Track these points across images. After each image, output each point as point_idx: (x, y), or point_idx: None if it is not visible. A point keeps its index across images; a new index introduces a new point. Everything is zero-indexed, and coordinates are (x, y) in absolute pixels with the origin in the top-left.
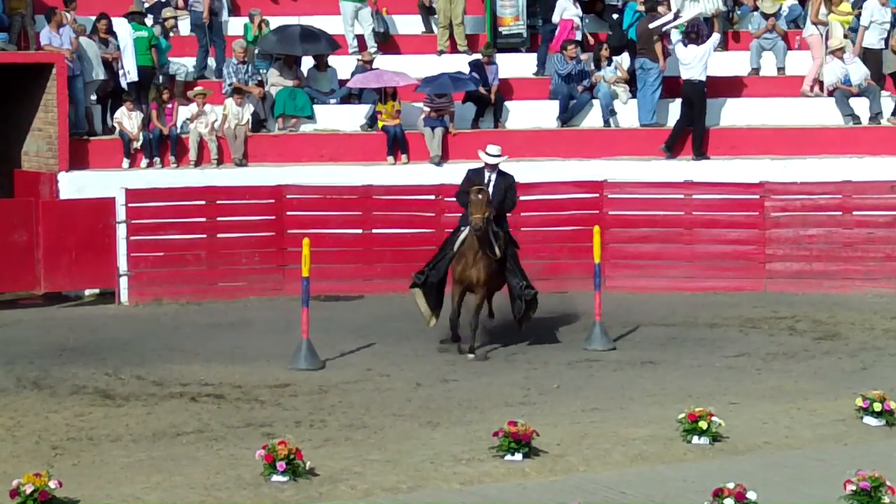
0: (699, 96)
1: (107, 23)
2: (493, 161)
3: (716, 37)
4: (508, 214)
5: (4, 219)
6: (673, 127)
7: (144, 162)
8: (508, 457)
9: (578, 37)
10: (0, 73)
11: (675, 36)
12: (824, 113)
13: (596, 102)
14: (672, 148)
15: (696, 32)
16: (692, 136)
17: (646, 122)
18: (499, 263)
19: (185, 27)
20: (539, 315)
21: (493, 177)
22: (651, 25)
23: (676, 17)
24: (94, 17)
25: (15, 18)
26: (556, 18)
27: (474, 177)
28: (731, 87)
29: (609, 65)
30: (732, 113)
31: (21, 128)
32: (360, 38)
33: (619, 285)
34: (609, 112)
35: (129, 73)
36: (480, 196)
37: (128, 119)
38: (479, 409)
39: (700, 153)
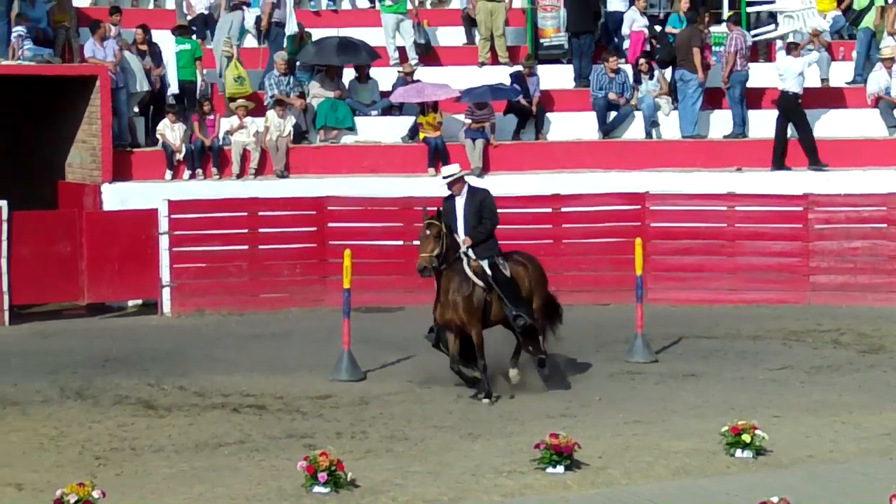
0: (791, 107)
1: (143, 33)
2: (445, 181)
3: (815, 54)
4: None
5: (49, 230)
6: (775, 140)
7: (187, 173)
8: (550, 469)
9: (648, 47)
10: (45, 86)
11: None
12: (868, 124)
13: (638, 114)
14: (781, 162)
15: (795, 45)
16: (803, 147)
17: (687, 134)
18: (491, 294)
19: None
20: (580, 327)
21: (463, 198)
22: (752, 33)
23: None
24: (135, 31)
25: (59, 31)
26: (625, 31)
27: (445, 205)
28: (773, 98)
29: (651, 78)
30: (773, 124)
31: (65, 139)
32: (402, 50)
33: (661, 297)
34: (651, 123)
35: (170, 85)
36: (428, 232)
37: (170, 131)
38: (520, 421)
39: (816, 162)
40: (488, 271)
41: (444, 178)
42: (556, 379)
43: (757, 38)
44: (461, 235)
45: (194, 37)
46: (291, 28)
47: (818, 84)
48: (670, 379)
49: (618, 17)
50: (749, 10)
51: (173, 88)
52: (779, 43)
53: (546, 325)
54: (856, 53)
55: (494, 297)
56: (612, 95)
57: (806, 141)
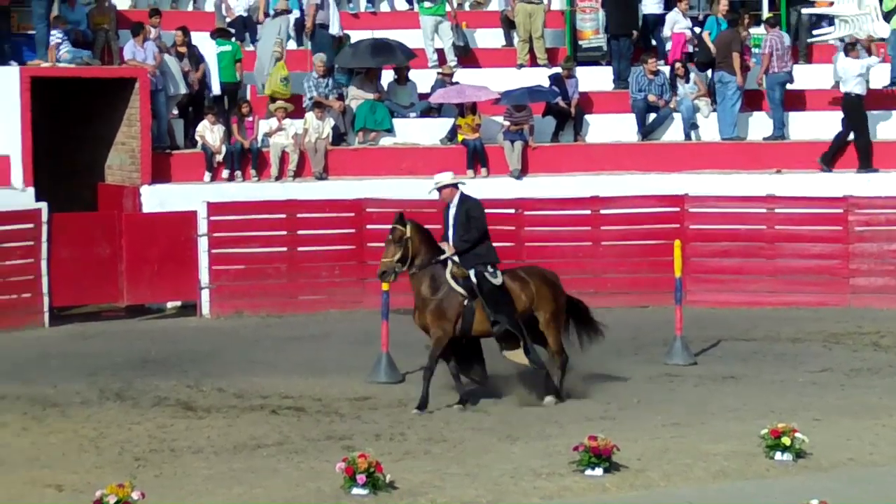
0: (853, 109)
1: (183, 35)
2: (435, 188)
3: (874, 59)
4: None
5: (88, 232)
6: (833, 140)
7: (226, 175)
8: (588, 471)
9: (690, 49)
10: (85, 88)
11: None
12: None
13: (677, 116)
14: (830, 161)
15: (852, 45)
16: (856, 148)
17: (727, 136)
18: (475, 303)
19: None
20: (619, 330)
21: (454, 206)
22: (815, 34)
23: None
24: (174, 33)
25: (99, 34)
26: (666, 32)
27: (444, 212)
28: (814, 100)
29: (687, 82)
30: (814, 126)
31: (105, 142)
32: (440, 52)
33: (700, 300)
34: (690, 126)
35: (212, 88)
36: (390, 236)
37: (210, 132)
38: (559, 424)
39: (866, 165)
40: (473, 279)
41: (436, 183)
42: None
43: (814, 41)
44: (449, 242)
45: (233, 39)
46: (335, 29)
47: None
48: (709, 381)
49: (653, 19)
50: (804, 11)
51: (215, 90)
52: (837, 45)
53: (560, 348)
54: (893, 54)
55: (479, 305)
56: (651, 97)
57: (861, 144)
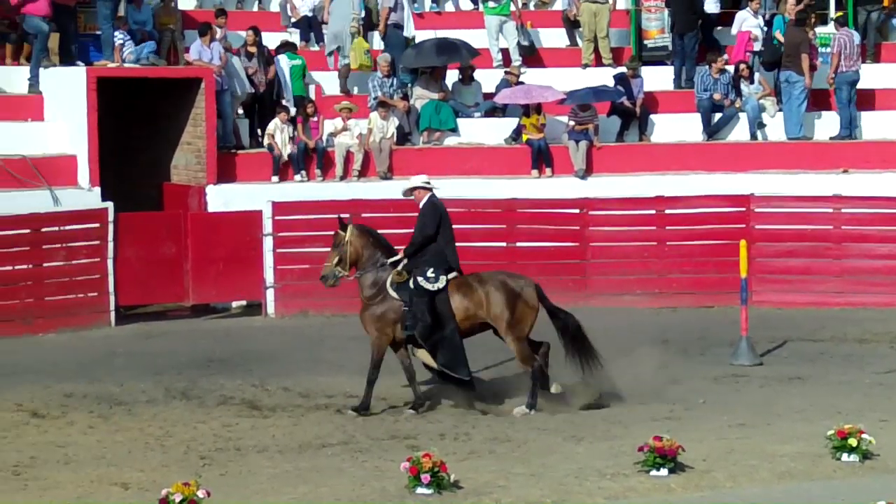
0: None
1: (254, 35)
2: (404, 190)
3: None
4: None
5: (154, 231)
6: None
7: (296, 176)
8: (654, 472)
9: (756, 48)
10: (151, 88)
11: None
12: None
13: (743, 115)
14: None
15: None
16: None
17: (793, 136)
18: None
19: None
20: (684, 330)
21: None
22: None
23: None
24: (241, 32)
25: (165, 34)
26: (734, 30)
27: None
28: (883, 99)
29: (751, 83)
30: (883, 126)
31: (171, 141)
32: (505, 52)
33: (765, 300)
34: (757, 125)
35: (288, 101)
36: (333, 241)
37: (279, 133)
38: (624, 424)
39: None
40: (411, 285)
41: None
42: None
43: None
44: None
45: (299, 40)
46: (409, 30)
47: None
48: (775, 382)
49: (712, 19)
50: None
51: (290, 104)
52: None
53: (522, 358)
54: None
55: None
56: (716, 96)
57: None
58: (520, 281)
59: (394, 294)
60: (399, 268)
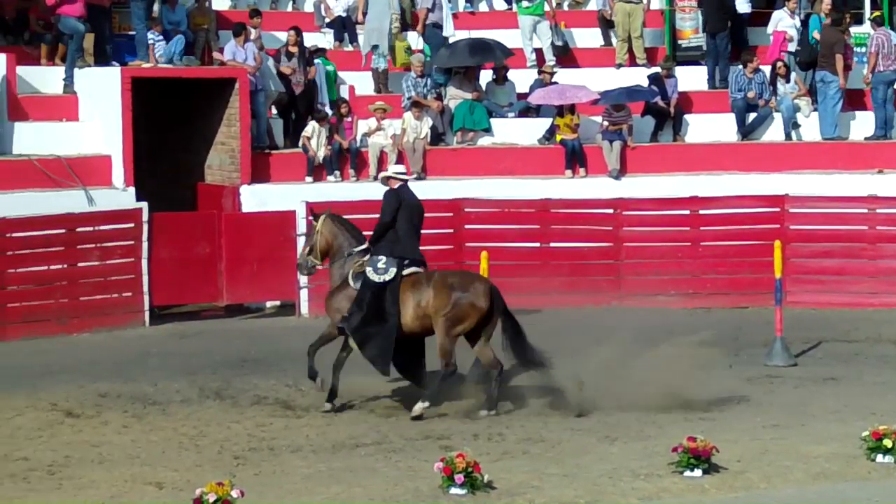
0: None
1: (296, 35)
2: (380, 178)
3: None
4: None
5: (188, 231)
6: None
7: (330, 177)
8: (687, 472)
9: (791, 48)
10: (185, 88)
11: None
12: None
13: (777, 115)
14: None
15: None
16: None
17: (828, 136)
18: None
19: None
20: (719, 330)
21: None
22: None
23: None
24: (275, 33)
25: (199, 34)
26: (769, 30)
27: None
28: None
29: (787, 81)
30: None
31: (205, 142)
32: (539, 52)
33: (800, 300)
34: (791, 125)
35: (324, 104)
36: (307, 230)
37: (316, 135)
38: (658, 425)
39: None
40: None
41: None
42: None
43: None
44: None
45: (333, 40)
46: (448, 30)
47: None
48: (810, 383)
49: (743, 19)
50: None
51: (327, 108)
52: None
53: (442, 354)
54: None
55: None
56: (750, 95)
57: None
58: (471, 281)
59: (352, 284)
60: (366, 257)
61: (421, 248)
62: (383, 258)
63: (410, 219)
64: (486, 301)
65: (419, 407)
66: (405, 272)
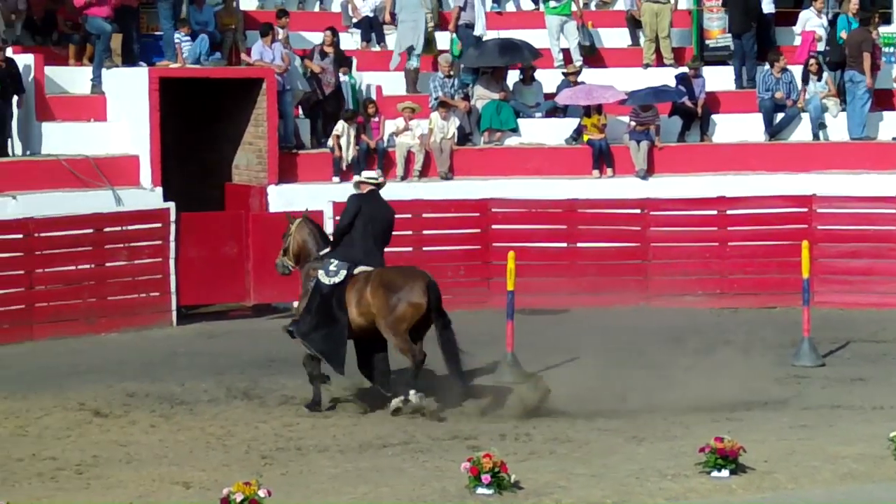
0: None
1: (332, 36)
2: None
3: None
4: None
5: (216, 231)
6: None
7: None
8: (715, 473)
9: (820, 48)
10: (212, 88)
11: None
12: None
13: (805, 115)
14: None
15: None
16: None
17: (856, 136)
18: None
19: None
20: (746, 331)
21: None
22: None
23: None
24: (302, 33)
25: (227, 34)
26: (797, 30)
27: None
28: None
29: (819, 80)
30: None
31: (232, 142)
32: (566, 52)
33: (828, 301)
34: (819, 125)
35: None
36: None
37: (345, 135)
38: (685, 425)
39: None
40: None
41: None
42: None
43: None
44: None
45: (360, 40)
46: (480, 29)
47: None
48: (837, 383)
49: (768, 19)
50: None
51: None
52: None
53: (401, 348)
54: None
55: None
56: (778, 94)
57: None
58: (409, 279)
59: (309, 286)
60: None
61: (447, 248)
62: (335, 262)
63: (367, 225)
64: (424, 298)
65: (397, 402)
66: (354, 272)
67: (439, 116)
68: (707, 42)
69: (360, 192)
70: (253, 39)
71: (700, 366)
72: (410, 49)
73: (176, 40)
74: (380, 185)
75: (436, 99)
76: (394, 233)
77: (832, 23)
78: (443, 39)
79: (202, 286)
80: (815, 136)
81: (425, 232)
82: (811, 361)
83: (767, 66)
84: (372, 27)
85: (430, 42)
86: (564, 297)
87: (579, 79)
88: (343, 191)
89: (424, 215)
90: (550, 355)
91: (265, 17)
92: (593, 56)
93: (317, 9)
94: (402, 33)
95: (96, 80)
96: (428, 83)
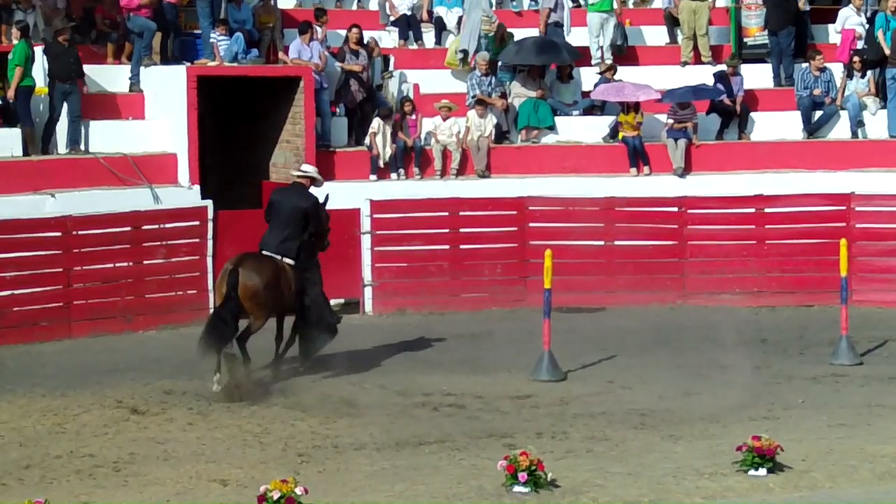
0: None
1: (358, 33)
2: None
3: None
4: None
5: (253, 229)
6: None
7: (393, 175)
8: (752, 472)
9: (860, 45)
10: (251, 87)
11: None
12: None
13: (843, 113)
14: None
15: None
16: None
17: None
18: None
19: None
20: (784, 329)
21: None
22: None
23: None
24: (340, 31)
25: (265, 33)
26: (837, 27)
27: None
28: None
29: (862, 77)
30: None
31: (270, 140)
32: (604, 50)
33: (866, 299)
34: (857, 123)
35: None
36: None
37: (381, 132)
38: (722, 423)
39: None
40: None
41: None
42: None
43: None
44: None
45: (398, 38)
46: (569, 28)
47: None
48: (876, 382)
49: (804, 17)
50: None
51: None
52: None
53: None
54: None
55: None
56: (816, 91)
57: None
58: (229, 265)
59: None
60: None
61: (484, 246)
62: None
63: (274, 215)
64: (223, 282)
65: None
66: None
67: (476, 114)
68: (745, 40)
69: (286, 186)
70: (291, 37)
71: (737, 365)
72: (478, 50)
73: (212, 39)
74: (314, 181)
75: (473, 97)
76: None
77: (870, 20)
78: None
79: None
80: (854, 135)
81: (462, 230)
82: (849, 360)
83: (806, 64)
84: (409, 25)
85: (503, 39)
86: (601, 295)
87: (616, 76)
88: (381, 189)
89: (462, 213)
90: (587, 353)
91: (303, 16)
92: (621, 55)
93: (354, 7)
94: (471, 33)
95: (135, 79)
96: (465, 81)
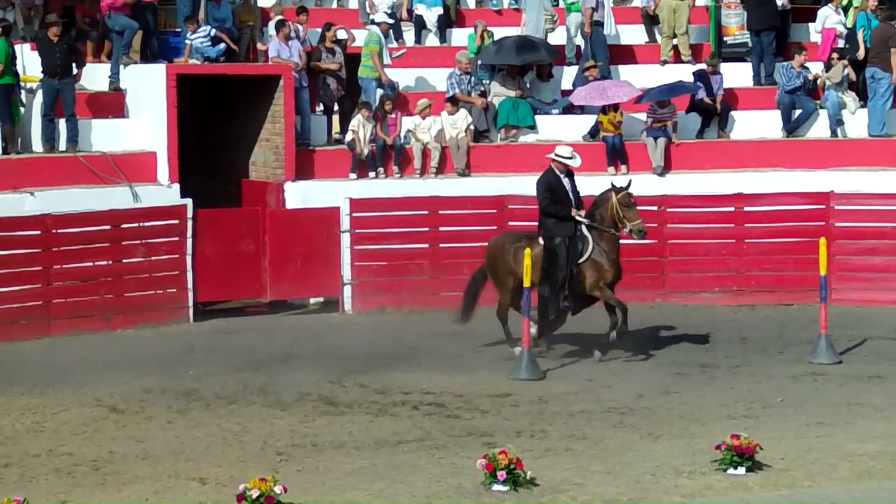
0: None
1: (334, 32)
2: (573, 163)
3: None
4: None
5: (232, 228)
6: None
7: (372, 173)
8: (731, 470)
9: (841, 44)
10: (230, 85)
11: None
12: None
13: (823, 112)
14: None
15: None
16: None
17: (875, 133)
18: None
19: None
20: (764, 328)
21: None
22: None
23: None
24: (319, 30)
25: (244, 31)
26: (817, 27)
27: (557, 185)
28: None
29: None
30: None
31: (249, 138)
32: (579, 49)
33: (845, 298)
34: (837, 122)
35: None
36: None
37: (363, 129)
38: (702, 422)
39: None
40: None
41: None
42: None
43: None
44: None
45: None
46: (610, 28)
47: None
48: (855, 381)
49: (784, 16)
50: None
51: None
52: None
53: None
54: None
55: None
56: (810, 76)
57: None
58: None
59: None
60: None
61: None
62: None
63: None
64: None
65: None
66: None
67: (447, 113)
68: (725, 38)
69: None
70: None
71: (716, 363)
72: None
73: (189, 38)
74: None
75: (451, 95)
76: (410, 229)
77: (845, 9)
78: (460, 36)
79: (219, 282)
80: (833, 133)
81: (442, 228)
82: (828, 359)
83: (788, 63)
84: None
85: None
86: None
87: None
88: (360, 187)
89: (441, 212)
90: (566, 352)
91: (285, 14)
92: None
93: (334, 5)
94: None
95: (114, 77)
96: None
